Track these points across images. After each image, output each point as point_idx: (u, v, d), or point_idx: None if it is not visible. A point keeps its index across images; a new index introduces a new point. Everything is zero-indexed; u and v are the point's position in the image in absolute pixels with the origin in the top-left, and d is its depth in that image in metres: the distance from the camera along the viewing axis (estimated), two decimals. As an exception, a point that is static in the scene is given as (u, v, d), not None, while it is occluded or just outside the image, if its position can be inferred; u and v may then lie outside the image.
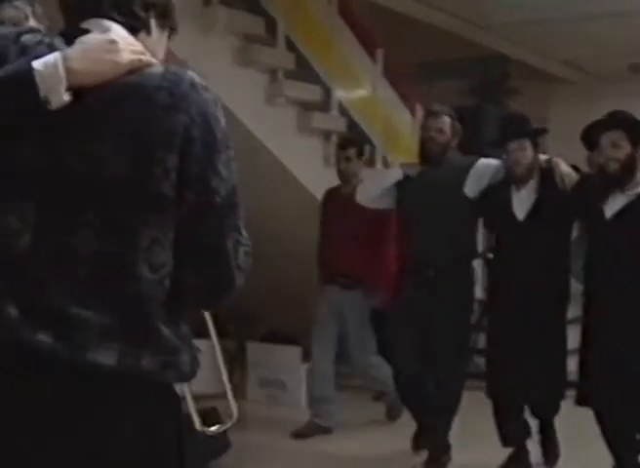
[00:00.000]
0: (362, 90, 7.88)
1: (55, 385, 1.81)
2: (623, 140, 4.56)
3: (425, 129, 5.47)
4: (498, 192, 5.20)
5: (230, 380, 8.11)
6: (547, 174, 5.02)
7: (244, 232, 2.00)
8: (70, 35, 1.91)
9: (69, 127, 1.83)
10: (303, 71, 7.03)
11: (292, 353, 7.55)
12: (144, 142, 1.83)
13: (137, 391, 1.87)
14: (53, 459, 1.84)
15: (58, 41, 1.90)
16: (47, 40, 1.92)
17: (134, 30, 1.98)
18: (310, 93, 7.07)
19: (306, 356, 7.56)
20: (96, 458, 1.84)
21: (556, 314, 5.08)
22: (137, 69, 1.88)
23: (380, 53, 7.82)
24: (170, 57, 6.28)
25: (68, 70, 1.81)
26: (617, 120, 4.66)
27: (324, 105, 7.26)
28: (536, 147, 5.11)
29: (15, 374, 1.81)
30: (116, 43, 1.89)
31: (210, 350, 8.27)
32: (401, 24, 7.86)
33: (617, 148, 4.56)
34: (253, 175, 6.95)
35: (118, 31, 1.94)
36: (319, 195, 7.12)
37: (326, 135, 7.31)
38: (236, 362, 7.75)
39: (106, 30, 1.93)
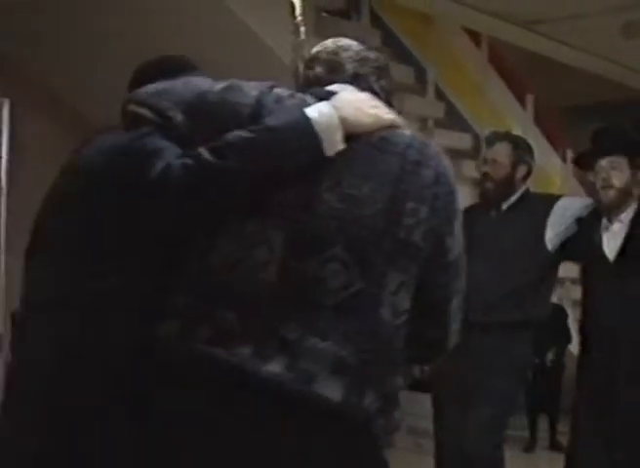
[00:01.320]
0: (512, 137, 7.82)
1: (275, 415, 1.80)
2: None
3: (479, 163, 4.54)
4: (585, 228, 3.98)
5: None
6: None
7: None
8: (318, 94, 1.97)
9: (331, 167, 1.88)
10: (453, 119, 7.02)
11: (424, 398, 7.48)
12: (398, 192, 1.88)
13: (352, 429, 1.82)
14: None
15: (307, 97, 1.96)
16: (298, 95, 1.99)
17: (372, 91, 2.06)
18: (460, 141, 7.05)
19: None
20: None
21: None
22: (391, 127, 1.95)
23: (529, 98, 7.75)
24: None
25: (340, 119, 1.88)
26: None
27: (474, 153, 7.22)
28: (636, 168, 3.94)
29: (238, 404, 1.82)
30: (379, 103, 1.98)
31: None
32: (550, 69, 7.77)
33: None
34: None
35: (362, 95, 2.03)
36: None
37: (477, 183, 7.25)
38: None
39: (352, 92, 2.01)
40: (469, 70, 7.22)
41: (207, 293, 1.89)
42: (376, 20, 6.43)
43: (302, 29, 2.10)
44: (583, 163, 4.22)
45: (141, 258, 2.02)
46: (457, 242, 1.98)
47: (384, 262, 1.87)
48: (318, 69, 2.08)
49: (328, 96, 1.94)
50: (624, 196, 3.81)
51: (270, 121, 1.86)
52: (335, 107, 1.90)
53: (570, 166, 8.27)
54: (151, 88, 2.20)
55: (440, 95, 6.90)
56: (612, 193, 3.80)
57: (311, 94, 1.97)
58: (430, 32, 6.83)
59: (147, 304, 1.99)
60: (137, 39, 5.85)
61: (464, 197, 7.61)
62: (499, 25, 6.86)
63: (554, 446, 7.63)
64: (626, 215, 3.83)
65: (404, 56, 6.65)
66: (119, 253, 2.02)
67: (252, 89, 1.96)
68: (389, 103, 2.06)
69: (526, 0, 6.49)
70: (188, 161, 1.84)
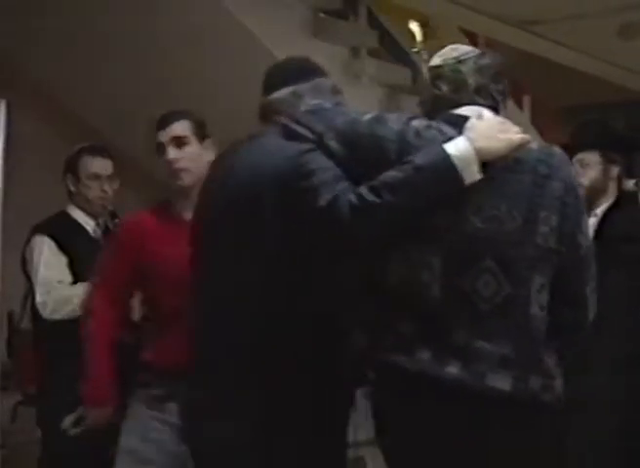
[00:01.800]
0: (509, 137, 7.81)
1: (458, 409, 2.20)
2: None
3: None
4: None
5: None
6: (628, 203, 4.02)
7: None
8: (450, 120, 2.33)
9: (473, 193, 2.24)
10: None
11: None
12: (532, 205, 2.29)
13: (524, 410, 2.25)
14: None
15: (442, 125, 2.31)
16: (434, 124, 2.32)
17: (495, 111, 2.40)
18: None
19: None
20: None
21: None
22: (522, 147, 2.28)
23: (526, 100, 7.76)
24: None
25: (475, 151, 2.21)
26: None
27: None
28: (610, 162, 3.97)
29: (423, 404, 2.22)
30: (507, 124, 2.31)
31: (357, 398, 8.31)
32: (547, 70, 7.77)
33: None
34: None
35: (489, 115, 2.37)
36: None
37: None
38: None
39: (480, 115, 2.34)
40: (466, 71, 7.22)
41: (388, 309, 2.31)
42: (373, 21, 6.43)
43: (425, 55, 2.36)
44: None
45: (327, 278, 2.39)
46: (585, 237, 2.41)
47: (527, 268, 2.29)
48: (444, 88, 2.40)
49: (459, 121, 2.30)
50: (595, 192, 3.89)
51: (416, 160, 2.21)
52: (469, 140, 2.22)
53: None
54: (304, 106, 2.50)
55: (437, 96, 6.91)
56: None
57: (444, 121, 2.33)
58: (427, 34, 6.84)
59: (342, 320, 2.40)
60: (135, 40, 5.85)
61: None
62: (495, 26, 6.85)
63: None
64: (601, 210, 3.94)
65: (401, 57, 6.65)
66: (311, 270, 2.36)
67: (394, 122, 2.30)
68: (504, 104, 2.44)
69: (522, 1, 6.48)
70: (353, 199, 2.19)
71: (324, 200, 2.21)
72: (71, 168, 3.95)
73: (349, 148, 2.31)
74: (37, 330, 3.96)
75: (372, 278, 2.37)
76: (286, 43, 5.74)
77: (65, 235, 3.86)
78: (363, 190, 2.21)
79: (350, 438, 8.16)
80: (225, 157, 2.63)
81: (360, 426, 8.54)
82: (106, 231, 4.02)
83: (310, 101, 2.52)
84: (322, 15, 6.03)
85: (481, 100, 2.38)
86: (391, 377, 2.27)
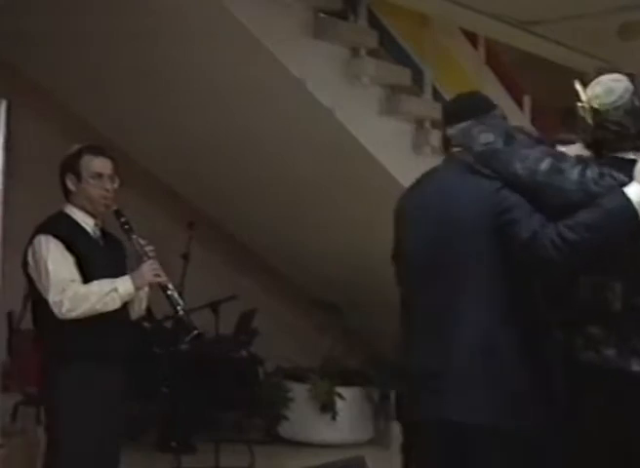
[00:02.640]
0: (509, 138, 7.80)
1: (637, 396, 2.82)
2: None
3: None
4: None
5: (375, 429, 8.07)
6: None
7: None
8: (618, 164, 2.84)
9: None
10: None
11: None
12: None
13: None
14: None
15: (613, 172, 2.81)
16: (606, 171, 2.81)
17: None
18: (456, 141, 7.04)
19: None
20: None
21: None
22: None
23: (527, 100, 7.75)
24: (314, 105, 6.27)
25: None
26: None
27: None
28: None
29: (607, 392, 2.85)
30: None
31: (355, 398, 8.32)
32: (547, 70, 7.77)
33: None
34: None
35: None
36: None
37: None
38: (381, 410, 7.72)
39: None
40: (466, 71, 7.21)
41: (578, 316, 2.92)
42: (373, 21, 6.42)
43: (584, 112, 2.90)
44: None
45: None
46: None
47: None
48: (609, 136, 2.87)
49: (627, 165, 2.81)
50: None
51: (605, 204, 2.75)
52: None
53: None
54: (478, 145, 2.97)
55: (437, 96, 6.90)
56: None
57: (612, 166, 2.82)
58: (428, 34, 6.83)
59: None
60: (134, 40, 5.85)
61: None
62: (495, 26, 6.86)
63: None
64: None
65: (401, 56, 6.64)
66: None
67: (571, 172, 2.81)
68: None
69: (523, 1, 6.49)
70: (554, 236, 2.76)
71: (526, 232, 2.79)
72: (72, 167, 3.94)
73: (530, 194, 2.84)
74: (44, 329, 3.95)
75: (564, 293, 2.98)
76: (286, 43, 5.75)
77: (69, 235, 3.86)
78: (562, 228, 2.77)
79: (350, 438, 8.10)
80: (414, 189, 3.34)
81: (360, 426, 8.54)
82: (103, 231, 4.02)
83: (484, 139, 2.96)
84: (322, 15, 6.02)
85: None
86: (581, 370, 2.90)
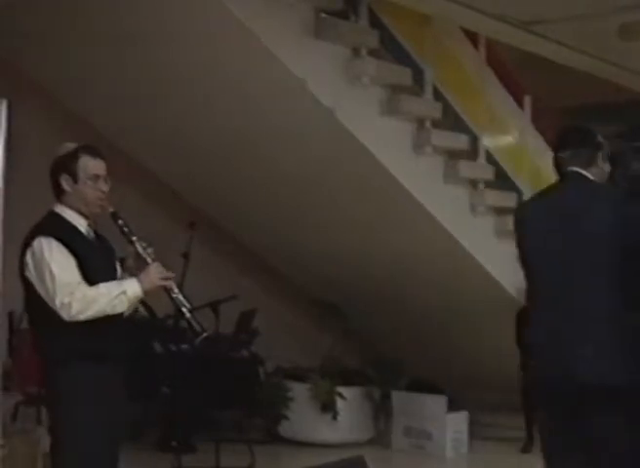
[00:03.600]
0: (510, 137, 7.80)
1: None
2: None
3: None
4: None
5: (375, 429, 8.05)
6: None
7: None
8: None
9: None
10: (450, 120, 7.01)
11: (436, 402, 7.47)
12: None
13: None
14: None
15: None
16: None
17: None
18: (457, 141, 7.04)
19: (451, 405, 7.48)
20: None
21: None
22: None
23: (527, 99, 7.75)
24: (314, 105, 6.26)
25: None
26: None
27: (471, 154, 7.21)
28: None
29: None
30: None
31: (355, 398, 8.33)
32: (548, 70, 7.77)
33: None
34: (400, 223, 7.02)
35: None
36: (465, 242, 7.08)
37: (473, 183, 7.25)
38: (381, 410, 7.72)
39: None
40: (467, 71, 7.21)
41: None
42: (374, 21, 6.42)
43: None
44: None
45: None
46: None
47: None
48: None
49: None
50: None
51: None
52: None
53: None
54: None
55: (438, 95, 6.89)
56: None
57: None
58: (428, 33, 6.82)
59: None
60: (135, 40, 5.85)
61: (461, 197, 7.68)
62: (496, 26, 6.85)
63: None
64: None
65: (402, 56, 6.63)
66: None
67: None
68: None
69: (524, 1, 6.48)
70: None
71: None
72: (67, 168, 3.88)
73: None
74: (43, 330, 3.93)
75: None
76: (287, 43, 5.74)
77: (68, 236, 3.83)
78: None
79: (351, 437, 8.08)
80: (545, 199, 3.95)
81: (360, 426, 8.52)
82: (95, 232, 4.00)
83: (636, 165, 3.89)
84: (323, 15, 6.02)
85: None
86: None
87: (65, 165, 3.86)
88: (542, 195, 4.01)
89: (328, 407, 7.45)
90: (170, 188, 7.77)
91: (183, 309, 3.89)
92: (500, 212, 7.48)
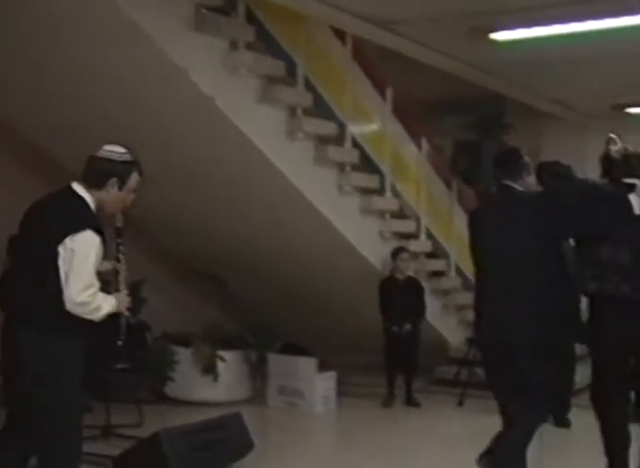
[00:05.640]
0: (373, 125, 7.90)
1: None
2: None
3: None
4: None
5: (253, 389, 8.06)
6: None
7: None
8: (624, 185, 4.51)
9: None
10: (320, 109, 7.05)
11: (307, 363, 7.55)
12: None
13: None
14: None
15: (621, 187, 4.50)
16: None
17: None
18: (326, 128, 7.09)
19: (321, 366, 7.57)
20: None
21: None
22: None
23: (389, 92, 7.85)
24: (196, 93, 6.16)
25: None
26: None
27: (339, 139, 7.28)
28: None
29: (623, 312, 4.63)
30: None
31: (234, 360, 8.32)
32: (410, 66, 7.88)
33: None
34: (272, 201, 7.03)
35: None
36: (333, 219, 7.15)
37: (340, 166, 7.33)
38: (258, 371, 7.75)
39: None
40: (335, 65, 7.26)
41: (603, 270, 4.66)
42: (251, 17, 6.39)
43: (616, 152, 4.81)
44: None
45: None
46: None
47: None
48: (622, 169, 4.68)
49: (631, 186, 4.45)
50: None
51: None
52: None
53: (424, 153, 8.45)
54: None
55: (309, 86, 6.92)
56: None
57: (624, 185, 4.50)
58: (301, 29, 6.83)
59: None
60: (75, 70, 5.72)
61: (330, 178, 7.72)
62: (361, 25, 6.91)
63: (410, 402, 7.79)
64: None
65: (276, 50, 6.63)
66: None
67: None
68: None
69: (386, 3, 6.54)
70: None
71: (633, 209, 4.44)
72: (121, 175, 3.86)
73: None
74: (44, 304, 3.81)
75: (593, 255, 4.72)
76: (169, 34, 5.67)
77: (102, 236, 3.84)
78: None
79: (230, 397, 8.02)
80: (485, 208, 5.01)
81: (239, 386, 8.46)
82: None
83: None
84: (204, 10, 5.96)
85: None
86: (607, 300, 4.65)
87: (121, 171, 3.85)
88: (487, 203, 5.13)
89: (209, 369, 7.45)
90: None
91: (121, 336, 4.12)
92: (364, 192, 7.59)
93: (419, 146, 8.34)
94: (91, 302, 3.67)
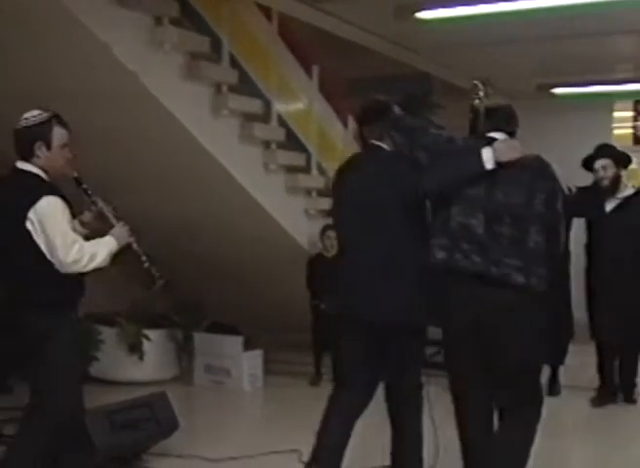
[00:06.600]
0: (299, 103, 7.90)
1: (486, 287, 3.98)
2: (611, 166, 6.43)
3: None
4: None
5: (179, 367, 8.05)
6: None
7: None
8: (485, 139, 4.03)
9: (496, 178, 3.95)
10: (246, 86, 7.03)
11: (234, 342, 7.56)
12: (531, 189, 3.94)
13: (529, 293, 4.01)
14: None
15: (480, 142, 4.01)
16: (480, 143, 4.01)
17: (510, 135, 4.12)
18: (252, 105, 7.07)
19: (247, 344, 7.58)
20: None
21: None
22: (523, 158, 3.96)
23: (315, 69, 7.86)
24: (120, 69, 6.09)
25: (495, 152, 3.92)
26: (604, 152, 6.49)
27: (265, 117, 7.27)
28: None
29: (472, 285, 3.99)
30: (517, 143, 4.02)
31: (160, 339, 8.26)
32: (337, 44, 7.90)
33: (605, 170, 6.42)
34: (198, 178, 6.99)
35: (508, 138, 4.08)
36: (259, 197, 7.15)
37: (266, 144, 7.33)
38: (184, 350, 7.73)
39: (503, 138, 4.05)
40: (261, 42, 7.23)
41: (454, 238, 4.01)
42: (175, -8, 6.33)
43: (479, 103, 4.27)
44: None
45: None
46: (560, 204, 3.97)
47: (528, 222, 3.94)
48: (487, 123, 4.15)
49: (491, 140, 4.03)
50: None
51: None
52: (494, 148, 3.94)
53: (351, 131, 8.48)
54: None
55: (234, 63, 6.89)
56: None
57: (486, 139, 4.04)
58: (226, 6, 6.79)
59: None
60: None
61: (255, 155, 7.69)
62: (287, 3, 6.91)
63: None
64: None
65: (201, 26, 6.58)
66: None
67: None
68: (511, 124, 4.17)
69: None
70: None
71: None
72: (44, 136, 3.87)
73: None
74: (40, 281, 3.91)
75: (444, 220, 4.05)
76: (92, 10, 5.58)
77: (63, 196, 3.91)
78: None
79: (156, 376, 7.97)
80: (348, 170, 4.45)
81: (165, 365, 8.39)
82: None
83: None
84: (127, -15, 5.88)
85: (506, 128, 4.14)
86: (459, 273, 3.99)
87: (40, 133, 3.86)
88: (350, 163, 4.45)
89: (135, 348, 7.41)
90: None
91: (143, 259, 4.16)
92: (290, 170, 7.60)
93: (345, 124, 8.37)
94: (82, 256, 3.79)
